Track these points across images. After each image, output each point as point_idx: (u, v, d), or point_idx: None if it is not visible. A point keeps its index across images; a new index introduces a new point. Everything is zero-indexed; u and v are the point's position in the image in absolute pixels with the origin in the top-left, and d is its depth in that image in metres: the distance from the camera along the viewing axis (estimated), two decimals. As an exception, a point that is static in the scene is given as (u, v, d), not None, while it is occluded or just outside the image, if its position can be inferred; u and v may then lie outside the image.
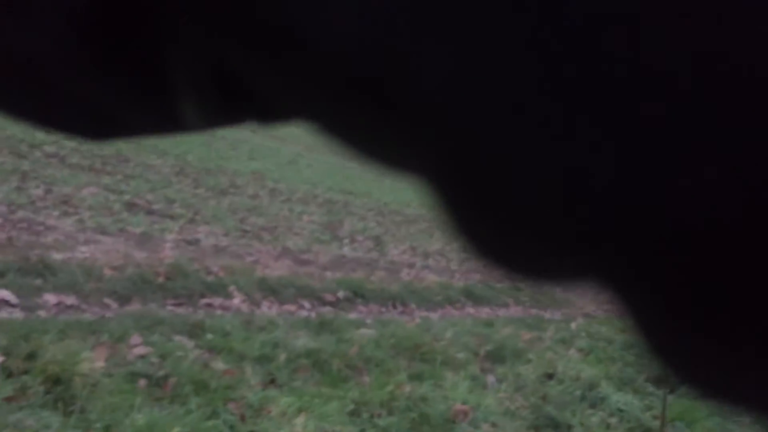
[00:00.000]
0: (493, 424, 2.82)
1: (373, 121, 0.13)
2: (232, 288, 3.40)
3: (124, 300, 2.94)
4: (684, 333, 0.12)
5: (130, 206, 4.29)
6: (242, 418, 2.29)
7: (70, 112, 0.20)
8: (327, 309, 3.63)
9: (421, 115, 0.12)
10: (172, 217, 4.32)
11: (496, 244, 0.13)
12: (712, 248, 0.10)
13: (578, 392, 3.39)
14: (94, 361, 2.27)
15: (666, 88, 0.10)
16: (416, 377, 3.03)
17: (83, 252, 3.30)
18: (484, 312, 4.70)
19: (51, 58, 0.17)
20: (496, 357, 3.63)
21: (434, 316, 4.20)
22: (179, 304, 3.09)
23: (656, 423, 3.05)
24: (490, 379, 3.30)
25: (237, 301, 3.33)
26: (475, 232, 0.13)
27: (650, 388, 3.75)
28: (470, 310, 4.63)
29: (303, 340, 2.98)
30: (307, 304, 3.60)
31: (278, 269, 3.93)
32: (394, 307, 4.10)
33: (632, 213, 0.11)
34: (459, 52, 0.11)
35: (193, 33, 0.15)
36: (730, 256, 0.10)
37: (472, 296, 4.85)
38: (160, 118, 0.19)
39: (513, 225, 0.12)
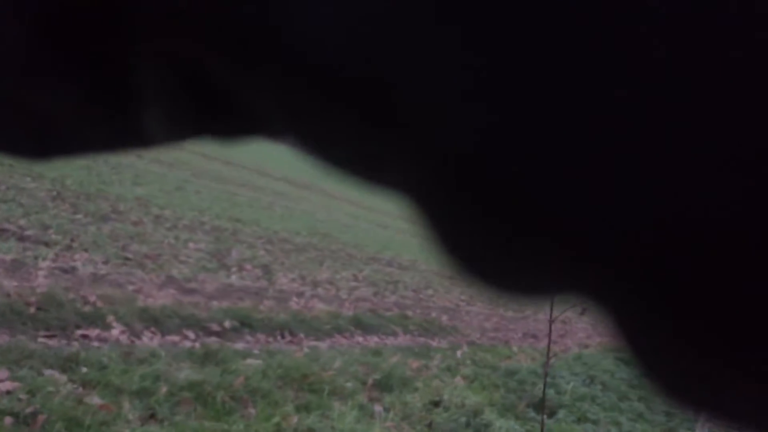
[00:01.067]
0: (380, 454, 2.82)
1: (356, 133, 0.13)
2: (110, 318, 3.24)
3: (-11, 332, 2.74)
4: (673, 348, 0.11)
5: (0, 232, 4.02)
6: (118, 456, 2.18)
7: (15, 125, 0.17)
8: (212, 339, 3.52)
9: (408, 126, 0.12)
10: (46, 244, 4.08)
11: (482, 261, 0.13)
12: (699, 255, 0.10)
13: (463, 419, 3.45)
14: (-48, 399, 2.09)
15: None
16: (303, 408, 2.99)
17: (-56, 280, 3.06)
18: (373, 341, 4.71)
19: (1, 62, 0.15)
20: (384, 386, 3.65)
21: (323, 345, 4.17)
22: (52, 336, 2.91)
23: (537, 447, 3.14)
24: (378, 408, 3.31)
25: (116, 332, 3.18)
26: (459, 249, 0.13)
27: (531, 413, 3.87)
28: (359, 339, 4.64)
29: (186, 372, 2.88)
30: (191, 335, 3.49)
31: (161, 298, 3.79)
32: (282, 336, 4.04)
33: (616, 224, 0.11)
34: (442, 61, 0.11)
35: (165, 34, 0.14)
36: (721, 264, 0.10)
37: (361, 325, 4.85)
38: (122, 129, 0.17)
39: (498, 240, 0.12)
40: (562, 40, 0.10)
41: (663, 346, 0.12)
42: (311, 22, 0.12)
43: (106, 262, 4.14)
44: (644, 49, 0.10)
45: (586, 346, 6.92)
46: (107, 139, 0.18)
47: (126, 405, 2.47)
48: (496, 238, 0.12)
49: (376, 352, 4.26)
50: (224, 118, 0.16)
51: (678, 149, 0.10)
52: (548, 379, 4.66)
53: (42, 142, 0.18)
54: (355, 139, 0.13)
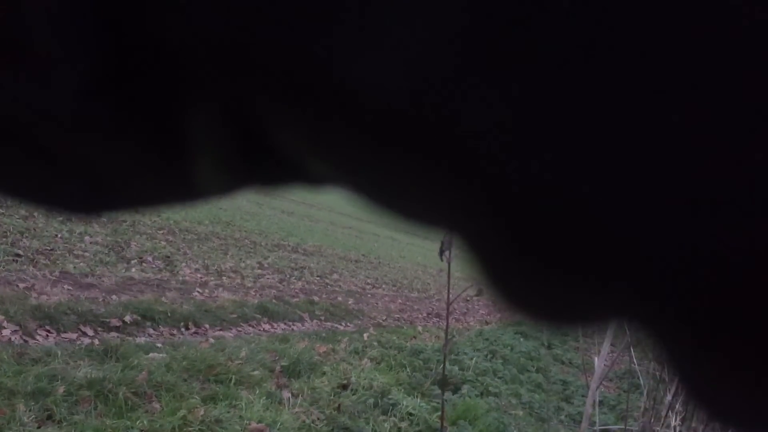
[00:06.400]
0: (289, 440, 2.84)
1: (412, 178, 0.13)
2: (0, 318, 3.09)
3: None
4: (714, 367, 0.12)
5: None
6: (14, 461, 2.10)
7: (66, 182, 0.17)
8: (112, 335, 3.43)
9: (467, 169, 0.12)
10: (-74, 243, 3.84)
11: (534, 294, 0.13)
12: (743, 286, 0.11)
13: (371, 400, 3.51)
14: None
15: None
16: (210, 399, 2.96)
17: None
18: (280, 328, 4.71)
19: (55, 118, 0.15)
20: (292, 372, 3.66)
21: (229, 335, 4.13)
22: (-64, 340, 2.76)
23: (442, 423, 3.24)
24: (286, 394, 3.32)
25: (7, 332, 3.04)
26: (510, 283, 0.13)
27: (437, 391, 3.98)
28: (266, 326, 4.62)
29: (84, 370, 2.79)
30: (89, 331, 3.37)
31: (56, 295, 3.64)
32: (187, 328, 3.97)
33: (667, 257, 0.11)
34: (508, 104, 0.11)
35: (219, 86, 0.14)
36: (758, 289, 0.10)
37: (267, 312, 4.83)
38: (172, 181, 0.17)
39: (552, 277, 0.12)
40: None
41: (713, 373, 0.12)
42: (380, 66, 0.11)
43: (-7, 260, 3.94)
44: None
45: (487, 323, 7.15)
46: (158, 191, 0.17)
47: (21, 407, 2.38)
48: (546, 279, 0.12)
49: (283, 339, 4.26)
50: (272, 165, 0.16)
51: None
52: (452, 356, 4.80)
53: (93, 197, 0.17)
54: (411, 185, 0.13)
